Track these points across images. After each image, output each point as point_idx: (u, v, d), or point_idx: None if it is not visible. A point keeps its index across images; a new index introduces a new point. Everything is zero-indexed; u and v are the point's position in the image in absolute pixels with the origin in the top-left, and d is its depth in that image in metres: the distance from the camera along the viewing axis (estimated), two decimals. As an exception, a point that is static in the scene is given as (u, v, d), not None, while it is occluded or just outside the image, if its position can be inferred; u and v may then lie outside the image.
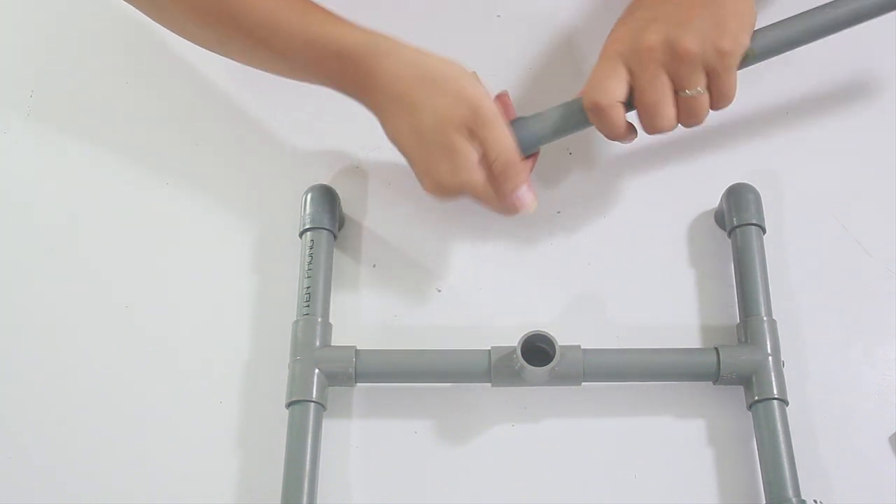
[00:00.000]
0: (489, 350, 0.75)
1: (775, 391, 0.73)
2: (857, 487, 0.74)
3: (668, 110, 0.72)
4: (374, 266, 0.82)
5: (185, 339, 0.79)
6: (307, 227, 0.79)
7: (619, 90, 0.72)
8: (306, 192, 0.81)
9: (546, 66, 0.90)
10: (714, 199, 0.83)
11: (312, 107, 0.88)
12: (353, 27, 0.74)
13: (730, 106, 0.75)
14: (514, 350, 0.72)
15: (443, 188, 0.74)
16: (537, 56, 0.90)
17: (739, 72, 0.74)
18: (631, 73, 0.72)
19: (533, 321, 0.75)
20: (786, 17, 0.77)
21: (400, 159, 0.86)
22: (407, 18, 0.91)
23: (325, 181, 0.83)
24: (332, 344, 0.77)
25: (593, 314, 0.80)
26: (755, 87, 0.88)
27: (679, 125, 0.74)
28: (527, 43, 0.91)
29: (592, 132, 0.87)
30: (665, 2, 0.73)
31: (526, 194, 0.75)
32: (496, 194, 0.74)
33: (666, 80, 0.71)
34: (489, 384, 0.75)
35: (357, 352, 0.75)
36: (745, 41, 0.71)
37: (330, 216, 0.80)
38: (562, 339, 0.73)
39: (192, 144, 0.87)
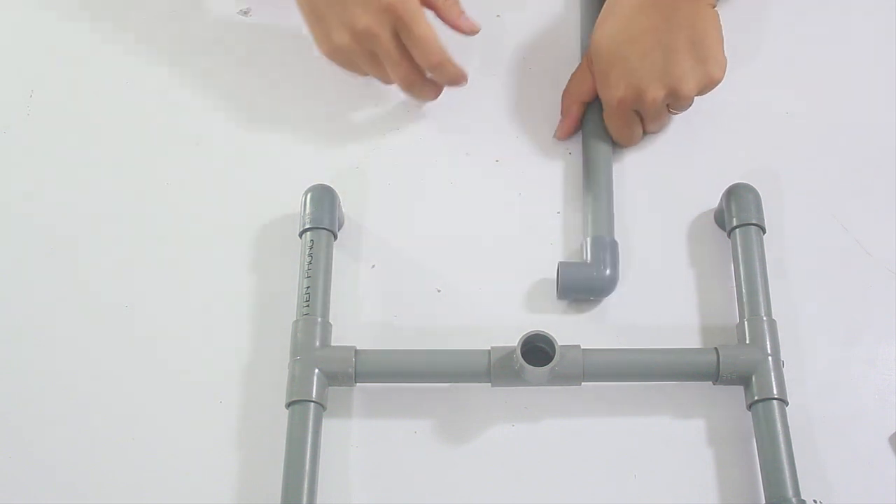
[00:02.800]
0: (489, 350, 0.75)
1: (775, 391, 0.73)
2: (856, 487, 0.74)
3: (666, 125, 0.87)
4: (374, 266, 0.82)
5: (186, 339, 0.79)
6: (307, 227, 0.79)
7: (640, 132, 0.85)
8: (306, 192, 0.81)
9: (546, 66, 0.90)
10: (714, 199, 0.83)
11: (313, 106, 0.88)
12: None
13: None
14: (513, 350, 0.72)
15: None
16: (537, 56, 0.90)
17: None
18: (640, 115, 0.84)
19: (533, 321, 0.75)
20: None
21: (401, 159, 0.86)
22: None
23: (325, 181, 0.83)
24: (332, 344, 0.77)
25: (593, 314, 0.80)
26: (755, 86, 0.88)
27: None
28: (527, 43, 0.91)
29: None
30: (648, 48, 0.79)
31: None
32: (444, 18, 0.82)
33: (667, 111, 0.84)
34: (489, 384, 0.75)
35: (357, 352, 0.75)
36: (724, 57, 0.80)
37: (330, 216, 0.80)
38: (562, 339, 0.73)
39: (192, 144, 0.87)
